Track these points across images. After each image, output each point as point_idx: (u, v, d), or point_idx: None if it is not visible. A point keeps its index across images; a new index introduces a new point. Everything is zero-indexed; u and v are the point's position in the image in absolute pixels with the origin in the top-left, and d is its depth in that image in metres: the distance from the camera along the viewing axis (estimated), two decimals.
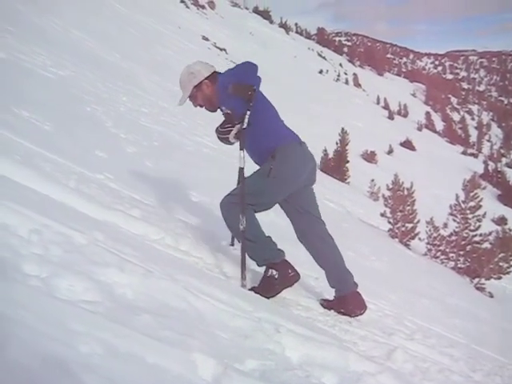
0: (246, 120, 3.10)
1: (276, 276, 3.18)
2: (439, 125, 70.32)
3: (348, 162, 21.12)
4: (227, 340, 2.03)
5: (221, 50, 38.01)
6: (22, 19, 10.97)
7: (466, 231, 14.23)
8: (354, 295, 3.41)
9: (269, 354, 2.06)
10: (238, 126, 3.15)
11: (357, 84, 69.10)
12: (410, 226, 14.05)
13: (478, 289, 12.07)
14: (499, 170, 45.27)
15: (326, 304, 3.43)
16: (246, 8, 71.31)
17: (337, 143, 21.77)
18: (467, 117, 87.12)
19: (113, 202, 3.62)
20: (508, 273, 13.20)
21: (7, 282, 1.63)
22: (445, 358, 3.27)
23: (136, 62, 15.72)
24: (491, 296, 11.76)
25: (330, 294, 3.52)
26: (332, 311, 3.36)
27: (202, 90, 3.33)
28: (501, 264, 13.17)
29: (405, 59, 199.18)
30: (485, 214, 14.64)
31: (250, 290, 3.12)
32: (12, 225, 2.10)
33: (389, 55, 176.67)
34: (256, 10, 71.72)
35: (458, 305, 7.15)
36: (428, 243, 13.93)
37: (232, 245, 3.70)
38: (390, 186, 15.14)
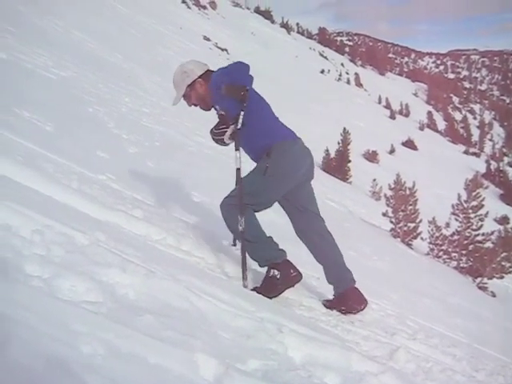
0: (240, 120, 3.10)
1: (278, 276, 3.18)
2: (441, 124, 70.21)
3: (350, 161, 21.13)
4: (229, 340, 2.03)
5: (222, 50, 38.01)
6: (23, 20, 10.99)
7: (469, 231, 14.20)
8: (352, 291, 3.40)
9: (271, 354, 2.06)
10: (233, 126, 3.15)
11: (358, 84, 69.05)
12: (412, 225, 14.03)
13: (480, 288, 12.05)
14: (501, 169, 45.19)
15: (328, 304, 3.43)
16: (248, 8, 71.28)
17: (338, 143, 21.77)
18: (469, 116, 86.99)
19: (115, 202, 3.62)
20: (510, 272, 13.16)
21: (9, 282, 1.63)
22: (447, 357, 3.26)
23: (137, 62, 15.73)
24: (493, 295, 11.74)
25: (331, 293, 3.51)
26: (334, 311, 3.36)
27: (196, 89, 3.33)
28: (503, 263, 13.14)
29: (406, 59, 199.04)
30: (487, 213, 14.61)
31: (252, 290, 3.12)
32: (14, 225, 2.10)
33: (390, 55, 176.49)
34: (257, 10, 71.69)
35: (461, 304, 7.14)
36: (430, 243, 13.91)
37: (234, 245, 3.70)
38: (392, 186, 15.12)
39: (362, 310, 3.42)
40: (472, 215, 14.29)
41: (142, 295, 2.04)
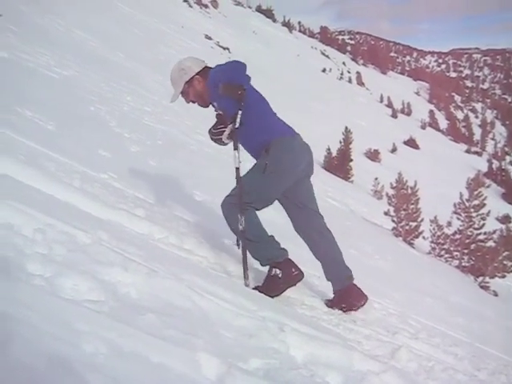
0: (238, 120, 3.10)
1: (280, 275, 3.18)
2: (443, 123, 70.11)
3: (351, 160, 21.08)
4: (231, 339, 2.03)
5: (224, 48, 37.97)
6: (24, 19, 10.99)
7: (470, 229, 14.17)
8: (351, 288, 3.40)
9: (273, 353, 2.06)
10: (231, 126, 3.15)
11: (360, 82, 68.98)
12: (413, 224, 14.01)
13: (482, 287, 12.04)
14: (503, 168, 45.08)
15: (330, 304, 3.43)
16: (249, 7, 71.18)
17: (340, 142, 21.73)
18: (471, 115, 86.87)
19: (117, 201, 3.62)
20: None
21: (11, 281, 1.63)
22: (449, 356, 3.26)
23: (139, 61, 15.73)
24: (495, 294, 11.73)
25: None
26: (336, 310, 3.36)
27: (194, 86, 3.32)
28: (505, 262, 13.10)
29: (408, 57, 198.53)
30: (489, 212, 14.58)
31: (253, 289, 3.12)
32: (16, 224, 2.11)
33: (392, 54, 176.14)
34: (259, 9, 71.59)
35: (462, 303, 7.13)
36: (432, 242, 13.88)
37: (237, 245, 3.70)
38: (394, 185, 15.09)
39: (362, 305, 3.41)
40: (474, 214, 14.26)
41: (144, 294, 2.04)
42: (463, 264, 13.45)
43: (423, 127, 60.98)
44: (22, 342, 1.29)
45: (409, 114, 66.55)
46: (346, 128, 22.08)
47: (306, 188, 3.41)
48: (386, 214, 14.23)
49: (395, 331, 3.37)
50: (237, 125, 3.11)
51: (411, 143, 44.23)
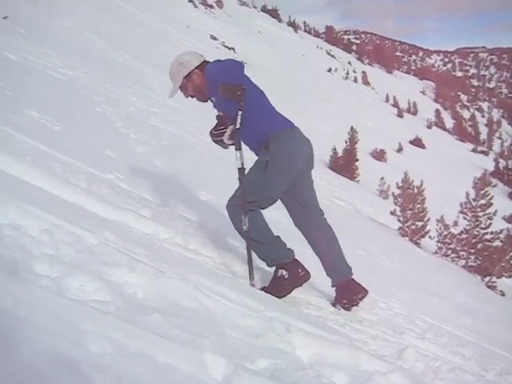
0: (239, 120, 3.09)
1: (286, 276, 3.18)
2: (449, 122, 69.88)
3: (357, 160, 21.05)
4: (238, 339, 2.03)
5: (229, 49, 38.00)
6: (31, 21, 11.04)
7: (477, 229, 14.13)
8: (349, 283, 3.39)
9: (279, 353, 2.06)
10: (231, 126, 3.14)
11: (366, 82, 68.86)
12: (420, 224, 13.98)
13: (489, 287, 11.99)
14: (510, 167, 44.79)
15: (333, 302, 3.43)
16: (254, 7, 71.20)
17: (346, 141, 21.69)
18: (477, 114, 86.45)
19: (123, 201, 3.63)
20: None
21: (18, 281, 1.64)
22: (456, 356, 3.25)
23: (144, 62, 15.76)
24: (502, 294, 11.68)
25: None
26: (342, 310, 3.35)
27: (193, 80, 3.30)
28: None
29: (414, 57, 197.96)
30: (496, 211, 14.53)
31: (260, 289, 3.12)
32: (23, 225, 2.11)
33: (398, 53, 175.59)
34: (264, 9, 71.61)
35: (469, 303, 7.11)
36: (438, 241, 13.85)
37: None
38: (400, 185, 15.06)
39: (362, 298, 3.39)
40: (480, 213, 14.22)
41: (151, 294, 2.04)
42: (470, 264, 13.41)
43: (429, 126, 60.79)
44: (28, 341, 1.29)
45: (415, 113, 66.38)
46: (352, 128, 22.04)
47: (307, 184, 3.40)
48: (392, 213, 14.21)
49: (402, 331, 3.36)
50: (237, 125, 3.11)
51: (417, 143, 44.10)
